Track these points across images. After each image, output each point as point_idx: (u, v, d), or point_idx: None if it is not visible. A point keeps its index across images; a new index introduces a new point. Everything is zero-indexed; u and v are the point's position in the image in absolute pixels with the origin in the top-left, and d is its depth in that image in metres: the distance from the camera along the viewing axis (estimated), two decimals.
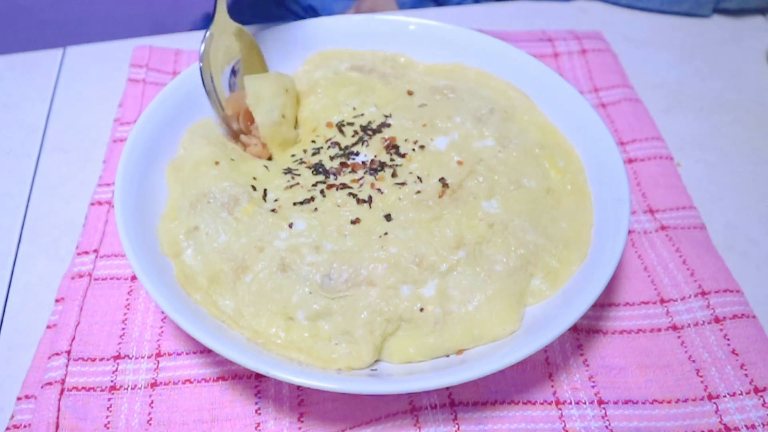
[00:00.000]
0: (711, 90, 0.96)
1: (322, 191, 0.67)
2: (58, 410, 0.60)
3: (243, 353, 0.54)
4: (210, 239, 0.63)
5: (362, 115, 0.75)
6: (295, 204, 0.66)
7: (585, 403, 0.62)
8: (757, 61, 1.00)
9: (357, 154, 0.71)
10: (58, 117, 0.90)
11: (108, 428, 0.60)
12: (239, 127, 0.75)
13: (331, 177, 0.69)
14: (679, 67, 0.99)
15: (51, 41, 1.04)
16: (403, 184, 0.67)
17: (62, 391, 0.61)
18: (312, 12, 1.31)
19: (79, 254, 0.72)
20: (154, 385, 0.63)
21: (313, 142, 0.74)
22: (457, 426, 0.60)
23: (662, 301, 0.69)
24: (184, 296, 0.60)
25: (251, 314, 0.60)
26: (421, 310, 0.59)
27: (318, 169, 0.70)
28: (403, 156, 0.70)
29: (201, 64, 0.72)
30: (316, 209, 0.65)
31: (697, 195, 0.81)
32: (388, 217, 0.64)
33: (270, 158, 0.73)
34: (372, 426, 0.60)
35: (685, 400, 0.62)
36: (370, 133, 0.73)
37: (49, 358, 0.63)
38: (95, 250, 0.72)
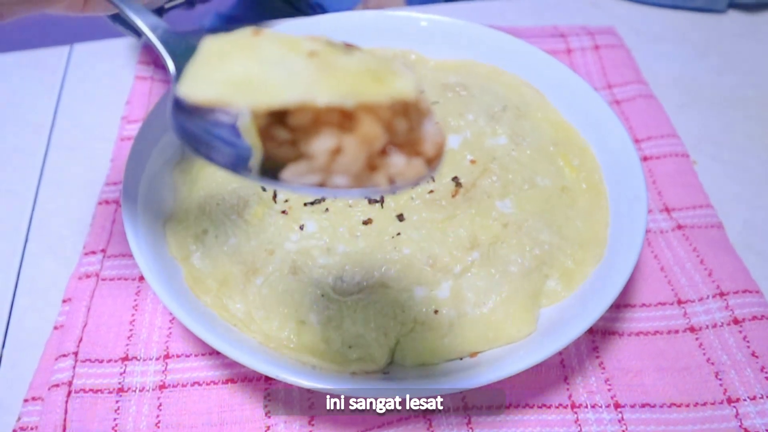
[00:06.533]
0: (727, 86, 0.94)
1: None
2: (65, 412, 0.59)
3: (255, 356, 0.53)
4: (219, 242, 0.62)
5: None
6: (305, 205, 0.65)
7: (601, 406, 0.61)
8: None
9: None
10: (65, 115, 0.89)
11: (115, 431, 0.59)
12: None
13: None
14: (694, 63, 0.98)
15: (58, 38, 1.03)
16: None
17: (69, 392, 0.60)
18: (320, 9, 1.30)
19: (86, 254, 0.71)
20: (162, 387, 0.62)
21: None
22: (470, 430, 0.59)
23: (679, 302, 0.68)
24: (194, 299, 0.59)
25: (262, 318, 0.58)
26: (435, 312, 0.58)
27: None
28: None
29: None
30: (327, 210, 0.64)
31: (714, 193, 0.79)
32: (400, 217, 0.63)
33: None
34: (384, 430, 0.59)
35: (704, 404, 0.61)
36: None
37: (56, 359, 0.63)
38: (103, 250, 0.71)
